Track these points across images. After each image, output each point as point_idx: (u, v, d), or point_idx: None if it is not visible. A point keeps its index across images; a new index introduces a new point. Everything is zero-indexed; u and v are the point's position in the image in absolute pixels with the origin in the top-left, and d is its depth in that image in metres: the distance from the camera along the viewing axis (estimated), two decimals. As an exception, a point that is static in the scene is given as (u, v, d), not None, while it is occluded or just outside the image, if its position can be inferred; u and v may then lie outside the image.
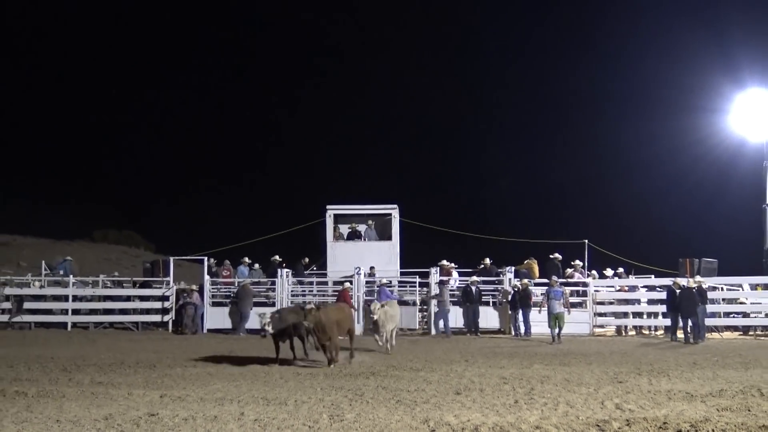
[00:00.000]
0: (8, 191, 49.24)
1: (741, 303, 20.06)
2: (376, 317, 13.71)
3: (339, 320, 12.64)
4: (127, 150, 61.27)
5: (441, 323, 19.46)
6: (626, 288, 20.78)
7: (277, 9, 67.56)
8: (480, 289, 19.90)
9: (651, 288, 20.49)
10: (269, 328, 11.93)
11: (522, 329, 18.78)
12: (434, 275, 20.28)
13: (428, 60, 67.02)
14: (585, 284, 20.26)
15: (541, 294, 19.26)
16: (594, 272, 21.33)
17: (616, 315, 20.39)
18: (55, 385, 9.73)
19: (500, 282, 20.32)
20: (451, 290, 20.68)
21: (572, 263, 21.21)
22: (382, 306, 14.08)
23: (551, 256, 21.20)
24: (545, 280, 20.26)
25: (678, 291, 17.60)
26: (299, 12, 67.66)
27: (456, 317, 19.98)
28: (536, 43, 67.82)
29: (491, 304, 20.33)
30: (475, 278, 20.14)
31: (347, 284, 19.61)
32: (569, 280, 20.35)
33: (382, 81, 65.09)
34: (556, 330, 16.93)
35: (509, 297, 19.62)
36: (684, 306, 17.01)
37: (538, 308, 18.14)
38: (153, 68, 67.46)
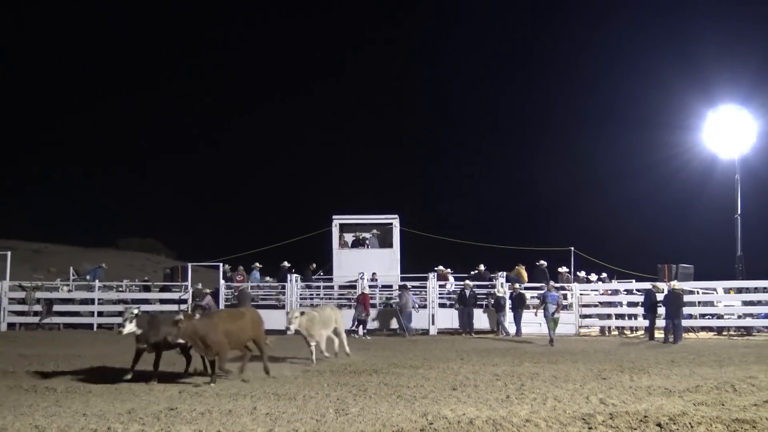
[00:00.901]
0: (39, 202, 49.62)
1: (715, 305, 20.08)
2: (293, 327, 11.15)
3: (231, 331, 9.67)
4: (150, 166, 62.00)
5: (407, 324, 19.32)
6: (609, 292, 20.77)
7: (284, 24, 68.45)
8: (474, 293, 19.87)
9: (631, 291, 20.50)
10: (130, 325, 9.38)
11: (513, 330, 18.77)
12: (432, 279, 20.30)
13: (422, 84, 67.85)
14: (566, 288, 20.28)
15: (532, 297, 19.27)
16: (583, 273, 21.45)
17: (599, 316, 20.37)
18: (82, 381, 9.71)
19: (493, 286, 20.27)
20: (447, 294, 20.74)
21: (558, 270, 21.21)
22: (302, 313, 11.56)
23: (537, 264, 21.28)
24: (534, 285, 20.33)
25: (663, 294, 17.59)
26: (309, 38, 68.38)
27: (452, 318, 20.00)
28: (525, 66, 68.46)
29: (484, 307, 20.27)
30: (468, 282, 20.14)
31: (367, 289, 19.56)
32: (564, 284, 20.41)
33: (384, 104, 65.86)
34: (554, 332, 16.26)
35: (497, 300, 19.57)
36: (671, 308, 16.97)
37: (535, 311, 17.66)
38: (169, 78, 68.32)
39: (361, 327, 18.79)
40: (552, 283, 18.66)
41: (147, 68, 68.88)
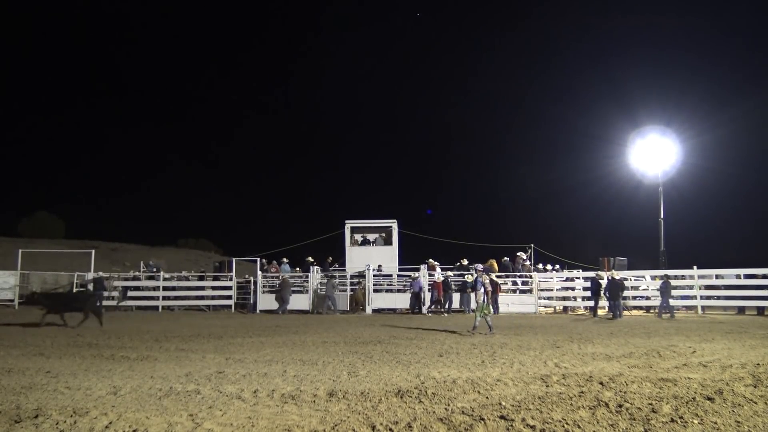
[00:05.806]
0: (116, 210, 49.78)
1: (644, 289, 20.04)
2: None
3: None
4: (202, 185, 62.22)
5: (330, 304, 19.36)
6: (562, 279, 20.72)
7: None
8: (450, 281, 19.72)
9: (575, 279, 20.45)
10: None
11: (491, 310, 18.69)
12: (423, 269, 20.21)
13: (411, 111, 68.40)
14: (530, 276, 20.18)
15: (502, 283, 19.11)
16: (540, 265, 21.49)
17: (554, 298, 20.27)
18: (150, 351, 9.66)
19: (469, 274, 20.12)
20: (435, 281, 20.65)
21: (504, 258, 21.17)
22: None
23: (504, 259, 21.30)
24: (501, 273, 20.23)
25: (603, 281, 17.53)
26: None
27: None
28: (487, 110, 69.00)
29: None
30: (449, 273, 20.09)
31: (440, 277, 19.34)
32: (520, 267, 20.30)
33: (387, 140, 66.55)
34: (479, 318, 11.85)
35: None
36: (612, 292, 16.92)
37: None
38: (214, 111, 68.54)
39: (438, 306, 18.94)
40: (479, 267, 18.54)
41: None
